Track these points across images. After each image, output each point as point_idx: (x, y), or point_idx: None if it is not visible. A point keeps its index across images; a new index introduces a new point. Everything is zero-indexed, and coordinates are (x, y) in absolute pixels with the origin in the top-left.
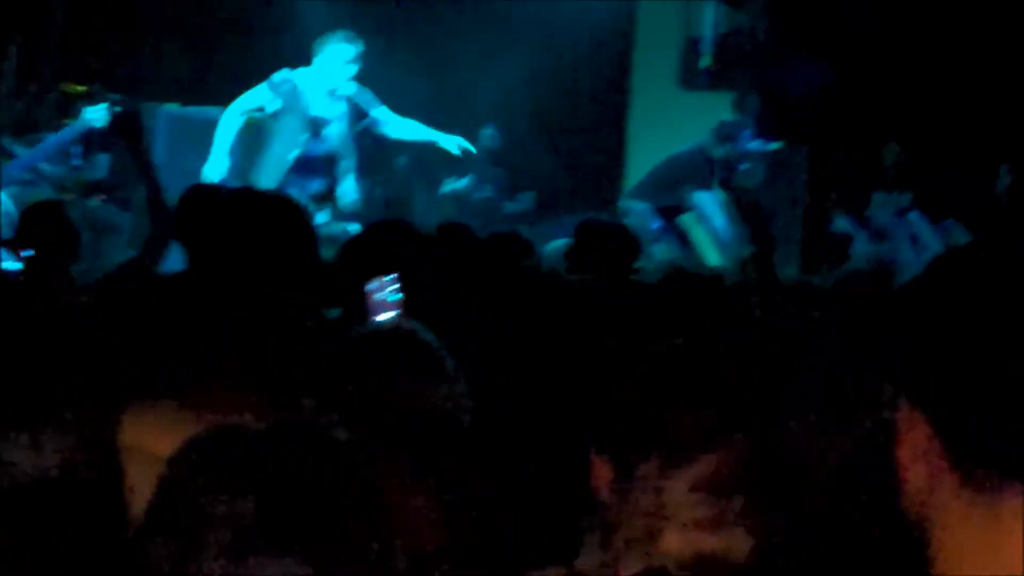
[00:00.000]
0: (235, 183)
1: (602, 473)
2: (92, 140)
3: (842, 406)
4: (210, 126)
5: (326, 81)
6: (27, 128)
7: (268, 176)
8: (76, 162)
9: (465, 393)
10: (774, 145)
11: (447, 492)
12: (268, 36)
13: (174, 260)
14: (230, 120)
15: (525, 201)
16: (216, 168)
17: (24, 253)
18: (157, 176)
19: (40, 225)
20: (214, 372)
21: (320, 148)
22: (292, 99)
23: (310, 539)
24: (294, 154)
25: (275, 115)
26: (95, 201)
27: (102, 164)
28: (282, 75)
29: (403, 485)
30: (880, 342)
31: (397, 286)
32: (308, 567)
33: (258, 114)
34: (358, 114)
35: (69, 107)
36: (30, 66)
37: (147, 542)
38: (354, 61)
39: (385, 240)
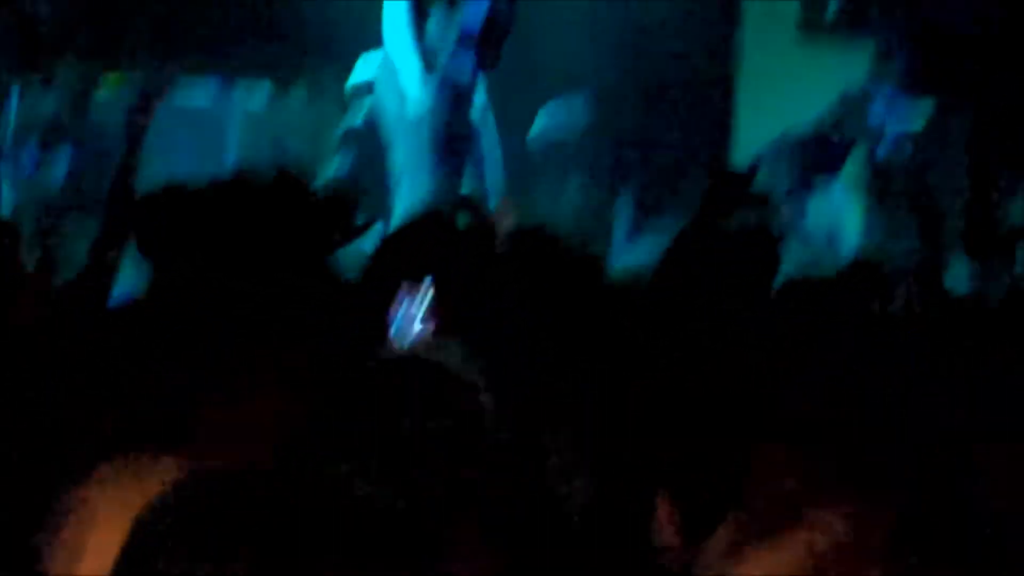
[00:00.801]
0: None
1: (668, 526)
2: (49, 135)
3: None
4: (196, 112)
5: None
6: None
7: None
8: (33, 159)
9: (508, 432)
10: (924, 109)
11: (491, 537)
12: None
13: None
14: None
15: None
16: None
17: None
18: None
19: None
20: (198, 407)
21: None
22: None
23: None
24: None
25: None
26: (55, 216)
27: (61, 166)
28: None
29: (439, 543)
30: None
31: (431, 295)
32: None
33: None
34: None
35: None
36: None
37: None
38: None
39: (418, 243)
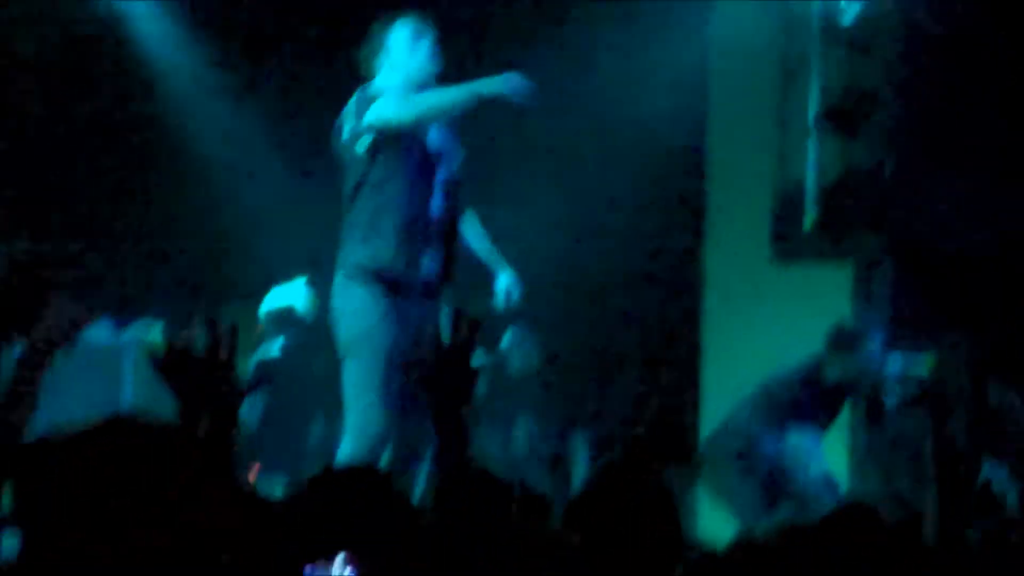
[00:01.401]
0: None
1: None
2: None
3: None
4: (90, 350)
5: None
6: None
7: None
8: None
9: None
10: (925, 362)
11: None
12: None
13: None
14: None
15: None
16: None
17: None
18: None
19: None
20: None
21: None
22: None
23: None
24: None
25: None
26: None
27: None
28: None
29: None
30: None
31: (348, 571)
32: None
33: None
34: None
35: None
36: None
37: None
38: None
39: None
